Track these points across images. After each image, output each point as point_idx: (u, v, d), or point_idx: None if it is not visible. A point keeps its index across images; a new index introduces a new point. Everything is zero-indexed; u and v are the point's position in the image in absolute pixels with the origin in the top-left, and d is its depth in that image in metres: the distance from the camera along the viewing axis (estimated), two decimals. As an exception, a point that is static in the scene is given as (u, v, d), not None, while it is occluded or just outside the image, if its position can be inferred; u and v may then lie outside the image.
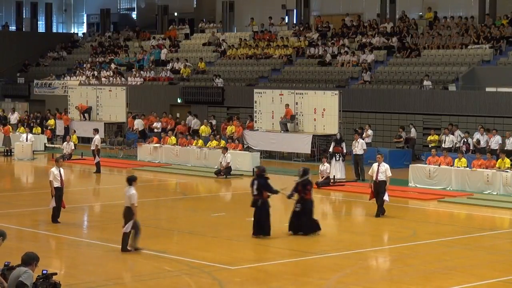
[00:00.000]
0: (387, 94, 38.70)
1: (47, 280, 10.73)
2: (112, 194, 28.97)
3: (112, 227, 21.51)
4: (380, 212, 23.16)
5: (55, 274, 10.94)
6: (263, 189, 19.97)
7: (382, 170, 23.35)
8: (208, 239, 18.60)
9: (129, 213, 18.13)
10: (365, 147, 31.45)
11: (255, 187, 20.07)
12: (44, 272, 10.80)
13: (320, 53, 44.80)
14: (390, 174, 23.52)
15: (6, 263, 10.85)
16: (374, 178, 23.32)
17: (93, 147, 34.08)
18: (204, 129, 40.17)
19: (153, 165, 35.89)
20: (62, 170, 21.69)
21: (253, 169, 25.01)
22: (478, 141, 32.82)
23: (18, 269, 10.59)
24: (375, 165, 23.65)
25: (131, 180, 18.57)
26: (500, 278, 16.20)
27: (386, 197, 23.15)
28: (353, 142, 31.45)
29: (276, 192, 20.37)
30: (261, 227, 19.91)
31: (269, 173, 33.01)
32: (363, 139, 32.99)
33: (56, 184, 21.41)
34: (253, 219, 20.16)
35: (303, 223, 20.33)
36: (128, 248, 18.14)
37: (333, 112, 36.18)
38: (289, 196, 20.75)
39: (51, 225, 21.63)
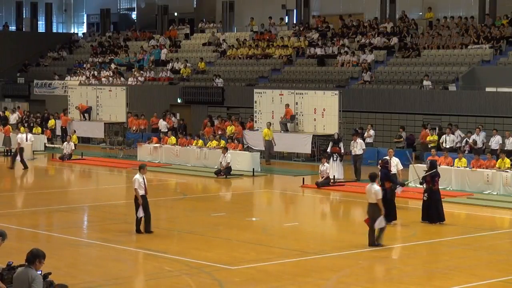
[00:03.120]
0: (387, 94, 38.68)
1: (44, 279, 10.70)
2: (112, 194, 28.94)
3: (112, 227, 21.51)
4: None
5: (50, 273, 10.93)
6: (384, 180, 21.60)
7: (393, 163, 24.64)
8: (208, 239, 18.56)
9: (375, 209, 18.66)
10: (364, 147, 31.44)
11: (379, 178, 21.90)
12: (38, 272, 10.71)
13: (320, 53, 44.79)
14: (402, 167, 24.76)
15: (9, 263, 10.77)
16: None
17: (16, 146, 34.78)
18: (267, 133, 36.52)
19: (153, 165, 35.82)
20: (145, 177, 20.69)
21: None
22: (475, 142, 32.79)
23: (25, 270, 10.28)
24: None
25: (374, 177, 19.06)
26: (500, 278, 16.19)
27: (398, 190, 23.71)
28: (352, 142, 31.43)
29: (400, 184, 22.71)
30: (387, 214, 21.29)
31: (269, 173, 33.60)
32: (365, 139, 32.96)
33: (141, 192, 20.48)
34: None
35: (432, 212, 21.96)
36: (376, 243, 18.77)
37: (333, 112, 36.16)
38: (421, 183, 22.62)
39: (51, 225, 21.61)
